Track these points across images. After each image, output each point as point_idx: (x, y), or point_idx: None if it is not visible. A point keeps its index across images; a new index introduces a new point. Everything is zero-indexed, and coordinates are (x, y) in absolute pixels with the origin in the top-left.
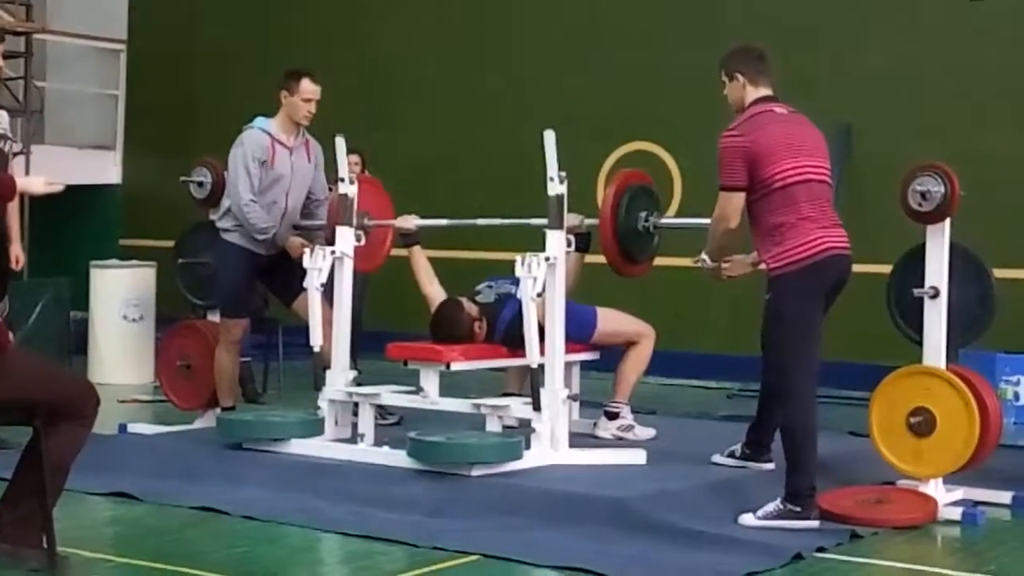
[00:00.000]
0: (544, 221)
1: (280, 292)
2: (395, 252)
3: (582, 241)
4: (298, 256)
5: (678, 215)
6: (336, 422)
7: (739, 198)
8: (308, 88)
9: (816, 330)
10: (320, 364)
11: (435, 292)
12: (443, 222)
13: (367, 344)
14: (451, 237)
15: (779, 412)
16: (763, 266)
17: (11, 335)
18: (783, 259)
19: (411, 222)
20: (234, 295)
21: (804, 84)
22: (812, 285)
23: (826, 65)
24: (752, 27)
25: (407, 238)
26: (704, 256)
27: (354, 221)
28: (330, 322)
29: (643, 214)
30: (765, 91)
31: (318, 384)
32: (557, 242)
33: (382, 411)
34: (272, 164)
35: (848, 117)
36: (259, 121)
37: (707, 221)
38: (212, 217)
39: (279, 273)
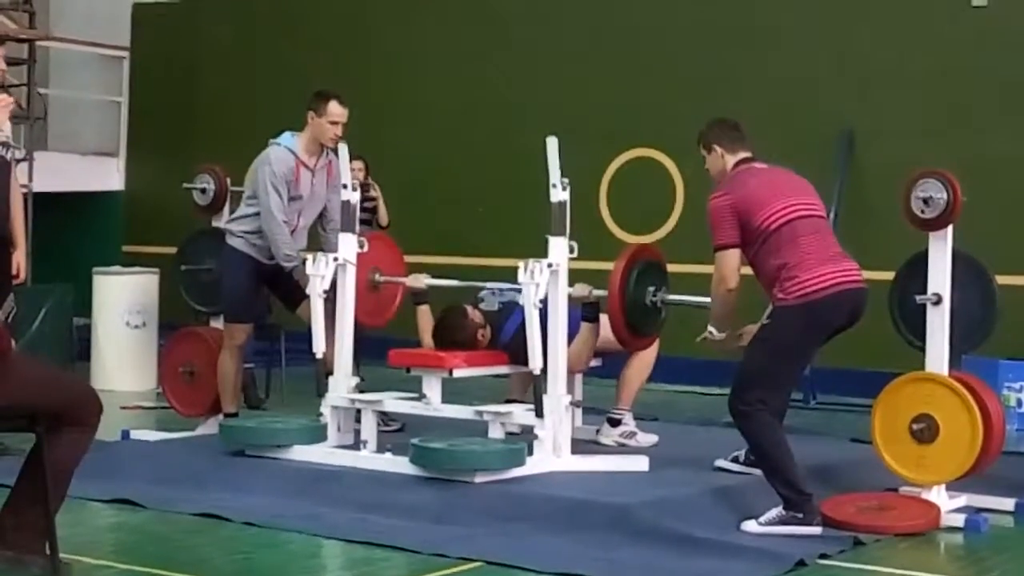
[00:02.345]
0: (542, 279)
1: (285, 298)
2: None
3: (591, 311)
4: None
5: (680, 222)
6: (339, 428)
7: (734, 256)
8: (336, 111)
9: (796, 368)
10: (323, 370)
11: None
12: (453, 283)
13: (370, 351)
14: (453, 243)
15: (735, 422)
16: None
17: (14, 341)
18: (790, 292)
19: (422, 281)
20: (238, 300)
21: (806, 89)
22: (814, 323)
23: (828, 70)
24: (754, 32)
25: (417, 297)
26: (711, 329)
27: (356, 228)
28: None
29: (651, 289)
30: (744, 155)
31: (321, 391)
32: (559, 248)
33: (384, 418)
34: (296, 186)
35: (850, 123)
36: (285, 139)
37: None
38: (215, 223)
39: (283, 280)
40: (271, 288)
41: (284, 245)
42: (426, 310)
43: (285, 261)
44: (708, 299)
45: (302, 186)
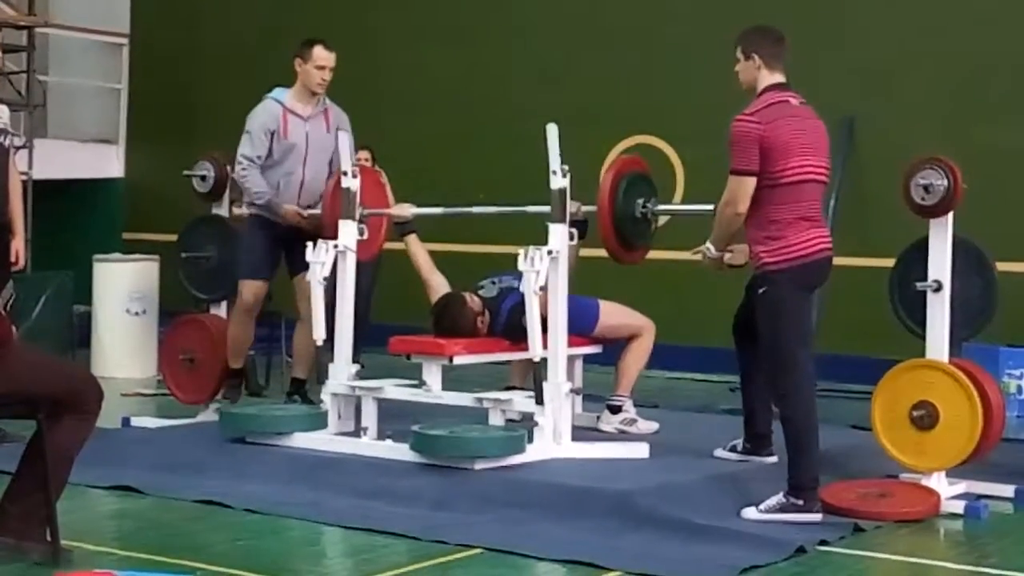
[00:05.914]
0: (543, 209)
1: (290, 263)
2: (398, 246)
3: (579, 228)
4: (295, 221)
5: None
6: (339, 416)
7: (750, 183)
8: (321, 55)
9: (811, 324)
10: (324, 358)
11: (438, 282)
12: (439, 210)
13: (369, 338)
14: (452, 231)
15: (775, 404)
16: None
17: (14, 329)
18: (782, 255)
19: (407, 210)
20: (249, 253)
21: (806, 77)
22: (806, 282)
23: (828, 58)
24: (754, 18)
25: (403, 227)
26: (708, 245)
27: (356, 215)
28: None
29: (640, 200)
30: (779, 77)
31: (321, 378)
32: (559, 235)
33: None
34: (285, 134)
35: (850, 110)
36: (275, 92)
37: (705, 207)
38: (215, 210)
39: (292, 246)
40: (284, 253)
41: (251, 184)
42: (415, 238)
43: (257, 199)
44: (697, 207)
45: (292, 134)
